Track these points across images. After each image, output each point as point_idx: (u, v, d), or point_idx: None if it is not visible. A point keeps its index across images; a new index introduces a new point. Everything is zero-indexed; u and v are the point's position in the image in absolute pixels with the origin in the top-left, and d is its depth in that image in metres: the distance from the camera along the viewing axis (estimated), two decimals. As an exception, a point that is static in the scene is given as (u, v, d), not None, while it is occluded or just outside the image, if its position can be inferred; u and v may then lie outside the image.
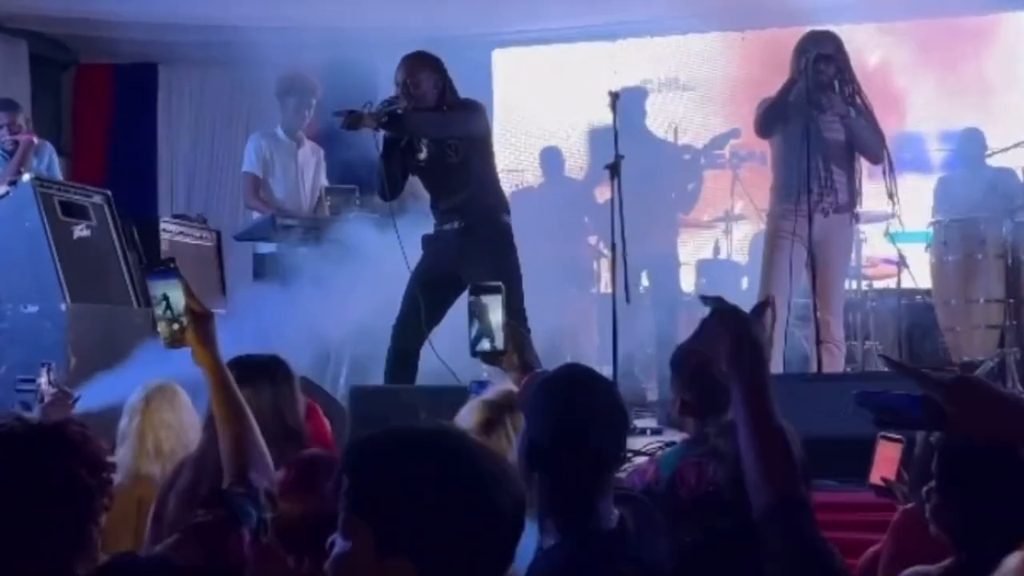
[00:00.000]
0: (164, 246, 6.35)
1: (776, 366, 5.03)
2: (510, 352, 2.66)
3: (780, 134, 5.11)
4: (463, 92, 5.14)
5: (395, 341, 4.93)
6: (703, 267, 7.59)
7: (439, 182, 5.01)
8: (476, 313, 2.66)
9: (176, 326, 2.27)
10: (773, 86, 5.07)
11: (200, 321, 2.26)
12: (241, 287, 6.20)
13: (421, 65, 4.99)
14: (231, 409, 2.23)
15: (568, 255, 7.21)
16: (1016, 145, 6.94)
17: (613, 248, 4.96)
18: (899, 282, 7.20)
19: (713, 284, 7.38)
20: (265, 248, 6.05)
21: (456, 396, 3.80)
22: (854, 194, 5.18)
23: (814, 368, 4.92)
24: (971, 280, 6.48)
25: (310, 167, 6.42)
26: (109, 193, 5.93)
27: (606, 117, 8.00)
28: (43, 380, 3.49)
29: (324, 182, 6.47)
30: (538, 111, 8.85)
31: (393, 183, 4.95)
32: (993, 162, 7.10)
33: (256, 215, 6.20)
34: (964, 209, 6.69)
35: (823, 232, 5.02)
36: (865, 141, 5.13)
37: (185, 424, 3.53)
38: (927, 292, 7.20)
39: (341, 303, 5.48)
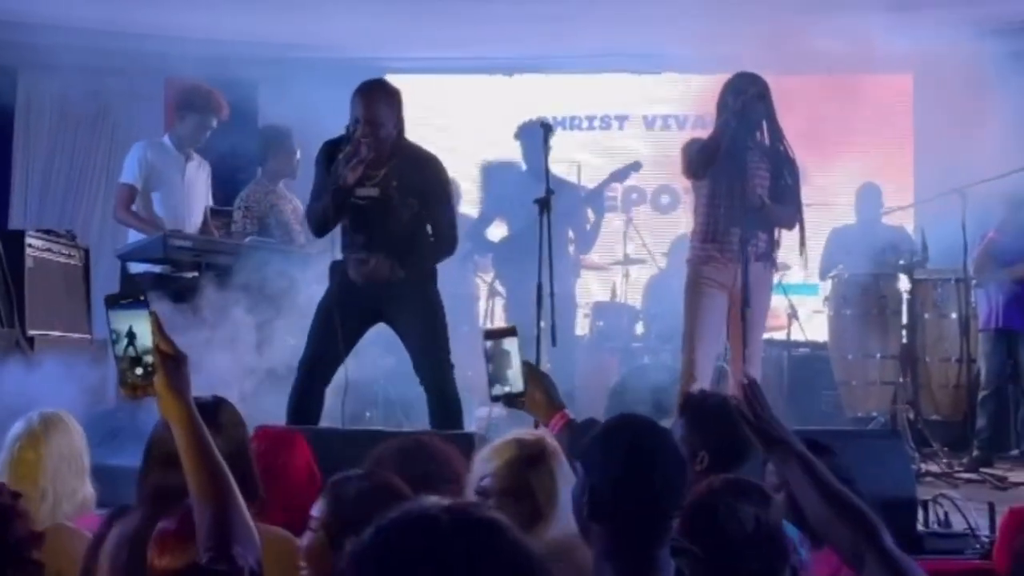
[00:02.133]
0: (29, 263, 5.82)
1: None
2: (531, 392, 2.60)
3: (708, 176, 4.97)
4: (348, 114, 4.66)
5: (304, 376, 4.55)
6: (599, 310, 7.44)
7: (376, 223, 4.57)
8: (492, 357, 2.60)
9: (140, 370, 1.96)
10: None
11: (171, 364, 1.93)
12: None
13: (383, 100, 4.54)
14: (209, 472, 1.90)
15: (459, 291, 6.97)
16: (911, 205, 7.09)
17: (539, 288, 4.72)
18: (789, 333, 7.22)
19: (610, 327, 7.26)
20: (140, 268, 5.57)
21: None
22: (772, 242, 5.08)
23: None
24: (868, 335, 6.54)
25: (199, 183, 6.01)
26: (-29, 203, 5.41)
27: (501, 150, 8.00)
28: None
29: (210, 201, 6.05)
30: (429, 141, 8.62)
31: (336, 224, 4.60)
32: (887, 219, 7.22)
33: (134, 232, 5.73)
34: (861, 264, 6.76)
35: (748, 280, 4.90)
36: (780, 220, 5.05)
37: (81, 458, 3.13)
38: (815, 344, 7.26)
39: (244, 334, 5.11)
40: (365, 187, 4.48)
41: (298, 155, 6.26)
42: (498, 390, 2.60)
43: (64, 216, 8.58)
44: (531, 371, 2.63)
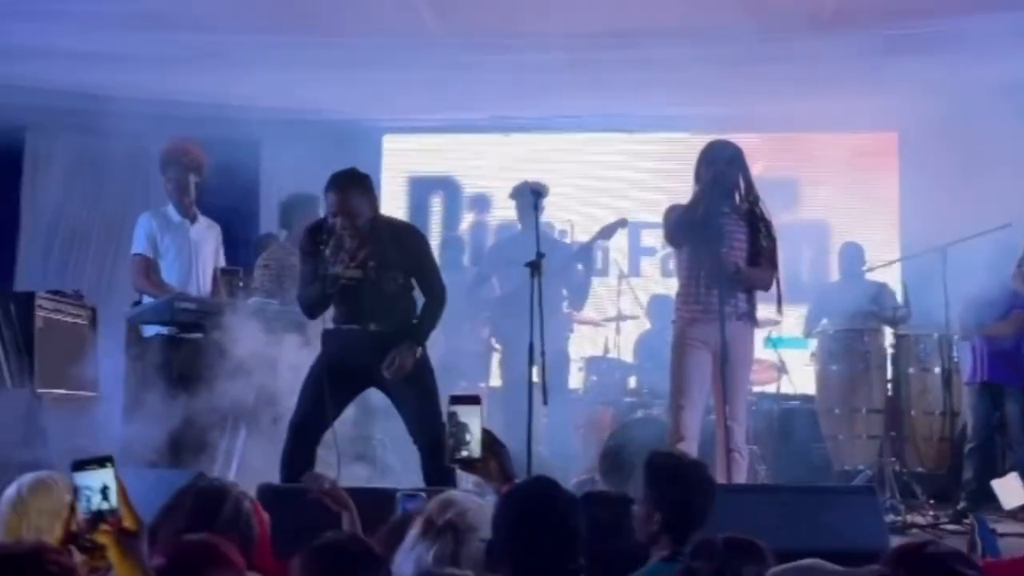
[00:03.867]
0: (39, 323, 6.01)
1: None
2: (488, 460, 2.70)
3: (687, 243, 5.16)
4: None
5: (297, 436, 4.73)
6: (591, 365, 7.60)
7: (363, 297, 4.81)
8: (454, 422, 2.71)
9: (97, 537, 2.10)
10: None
11: (128, 536, 2.09)
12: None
13: (356, 190, 4.80)
14: None
15: (458, 347, 7.13)
16: (893, 261, 7.25)
17: (531, 348, 4.89)
18: (779, 387, 7.37)
19: (603, 381, 7.40)
20: (151, 331, 5.75)
21: (380, 500, 3.66)
22: (752, 302, 5.26)
23: (719, 477, 4.93)
24: (854, 390, 6.70)
25: (207, 244, 6.16)
26: (-17, 265, 5.60)
27: (501, 211, 8.18)
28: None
29: (221, 262, 6.23)
30: (431, 199, 8.88)
31: (326, 307, 4.85)
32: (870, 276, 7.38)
33: (147, 298, 5.92)
34: (845, 320, 6.92)
35: (728, 338, 5.06)
36: (756, 283, 5.23)
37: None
38: (804, 397, 7.41)
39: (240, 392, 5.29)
40: (349, 269, 4.71)
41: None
42: (457, 455, 2.71)
43: (66, 273, 8.75)
44: (490, 440, 2.74)
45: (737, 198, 5.16)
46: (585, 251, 7.37)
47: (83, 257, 8.95)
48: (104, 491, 2.13)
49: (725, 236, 5.01)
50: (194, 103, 8.45)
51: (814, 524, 3.87)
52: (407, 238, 4.97)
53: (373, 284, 4.77)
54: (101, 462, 2.21)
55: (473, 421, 2.72)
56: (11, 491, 3.22)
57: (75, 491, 2.17)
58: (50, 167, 9.07)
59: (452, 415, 2.72)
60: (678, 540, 2.88)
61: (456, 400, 2.75)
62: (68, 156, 9.05)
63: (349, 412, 5.29)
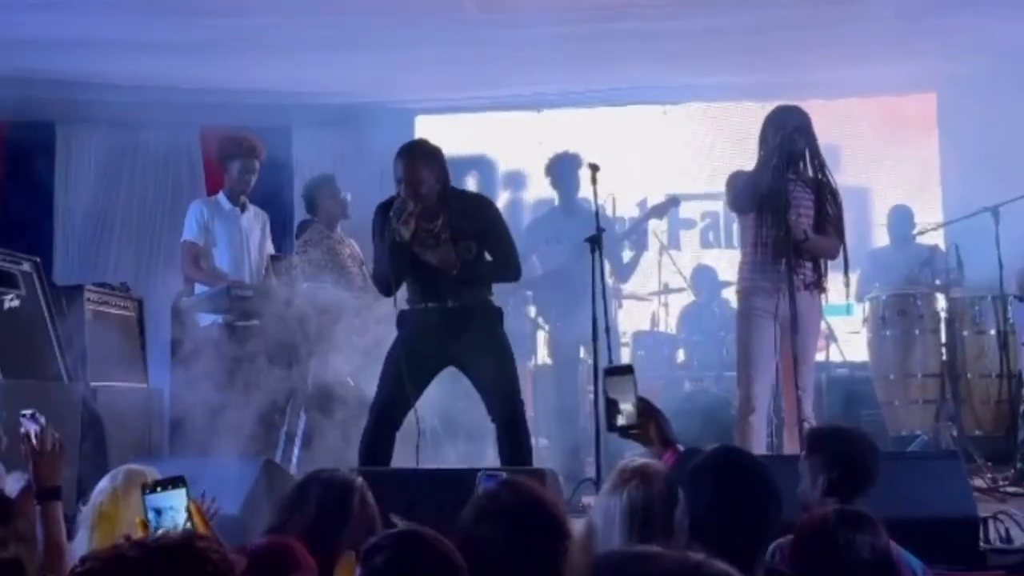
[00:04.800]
0: (88, 316, 6.00)
1: (761, 447, 5.00)
2: (645, 426, 2.82)
3: (752, 211, 5.09)
4: (386, 157, 4.88)
5: (378, 419, 4.68)
6: (639, 339, 7.55)
7: (439, 272, 4.72)
8: (609, 392, 2.86)
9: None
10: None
11: None
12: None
13: (421, 159, 4.71)
14: None
15: (516, 328, 7.08)
16: (945, 224, 7.18)
17: (594, 323, 4.84)
18: (827, 355, 7.31)
19: (651, 356, 7.36)
20: (207, 320, 5.73)
21: (459, 482, 3.62)
22: (819, 270, 5.19)
23: (791, 447, 4.88)
24: (908, 355, 6.63)
25: (255, 232, 6.16)
26: (38, 260, 5.58)
27: (537, 189, 8.09)
28: (33, 429, 3.16)
29: (270, 249, 6.20)
30: (465, 179, 8.78)
31: (401, 283, 4.75)
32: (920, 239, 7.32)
33: (199, 287, 5.89)
34: (897, 284, 6.86)
35: (797, 308, 5.00)
36: (824, 251, 5.16)
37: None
38: (853, 365, 7.36)
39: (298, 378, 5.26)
40: (426, 249, 4.64)
41: (346, 196, 6.38)
42: (614, 423, 2.84)
43: (102, 265, 8.73)
44: (646, 407, 2.84)
45: (803, 165, 5.09)
46: (634, 230, 7.30)
47: (120, 249, 8.91)
48: (175, 512, 2.18)
49: (792, 204, 4.93)
50: (223, 90, 8.41)
51: (901, 491, 3.81)
52: (479, 204, 4.91)
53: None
54: (174, 483, 2.25)
55: (627, 390, 2.84)
56: (105, 483, 3.24)
57: (146, 513, 2.22)
58: (82, 159, 9.04)
59: (607, 386, 2.86)
60: (845, 502, 2.92)
61: (610, 372, 2.89)
62: (100, 148, 9.01)
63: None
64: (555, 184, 7.04)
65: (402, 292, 4.83)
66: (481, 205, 4.92)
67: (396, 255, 4.59)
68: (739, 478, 2.36)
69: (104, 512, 3.18)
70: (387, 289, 4.75)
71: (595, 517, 2.70)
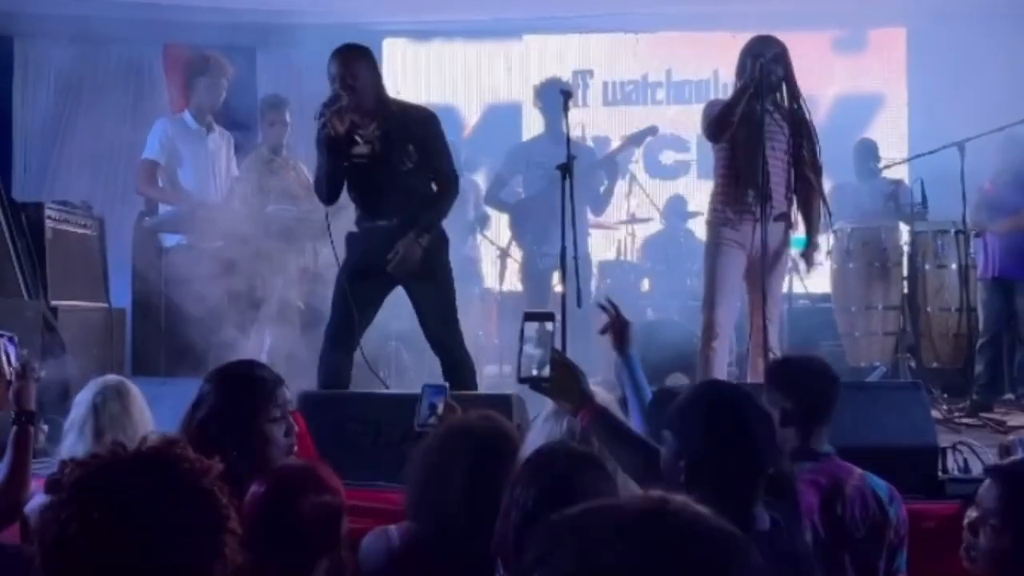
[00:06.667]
0: (49, 234, 5.89)
1: (723, 374, 5.05)
2: (560, 380, 2.53)
3: (726, 140, 5.08)
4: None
5: (330, 344, 4.67)
6: (605, 268, 7.56)
7: (378, 181, 4.66)
8: (525, 339, 2.56)
9: None
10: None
11: None
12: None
13: (357, 58, 4.64)
14: None
15: (467, 253, 7.06)
16: (911, 158, 7.20)
17: (563, 251, 4.82)
18: (789, 286, 7.35)
19: (617, 285, 7.37)
20: (172, 240, 5.66)
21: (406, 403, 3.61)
22: (790, 203, 5.20)
23: (755, 376, 4.93)
24: (871, 287, 6.69)
25: (221, 154, 6.06)
26: (-3, 176, 5.46)
27: (506, 115, 8.03)
28: (10, 354, 3.13)
29: (235, 171, 6.11)
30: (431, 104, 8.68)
31: (338, 185, 4.65)
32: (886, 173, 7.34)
33: (163, 207, 5.81)
34: (861, 218, 6.90)
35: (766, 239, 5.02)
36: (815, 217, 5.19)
37: (137, 425, 3.32)
38: (814, 297, 7.42)
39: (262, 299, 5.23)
40: (359, 146, 4.56)
41: (288, 121, 6.24)
42: (526, 372, 2.55)
43: (65, 185, 8.59)
44: (561, 360, 2.57)
45: (779, 96, 5.07)
46: (610, 159, 7.26)
47: (79, 166, 8.75)
48: None
49: (766, 134, 4.91)
50: (188, 6, 8.24)
51: (863, 420, 3.86)
52: (421, 114, 4.79)
53: (386, 160, 4.60)
54: None
55: (544, 339, 2.54)
56: (96, 384, 3.31)
57: None
58: (41, 75, 8.84)
59: (524, 332, 2.56)
60: (805, 436, 2.93)
61: (529, 317, 2.59)
62: (59, 64, 8.81)
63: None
64: (542, 110, 7.00)
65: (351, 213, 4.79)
66: (423, 117, 4.79)
67: (330, 150, 4.52)
68: (742, 413, 2.22)
69: (110, 411, 3.28)
70: (326, 192, 4.66)
71: (535, 440, 2.65)
